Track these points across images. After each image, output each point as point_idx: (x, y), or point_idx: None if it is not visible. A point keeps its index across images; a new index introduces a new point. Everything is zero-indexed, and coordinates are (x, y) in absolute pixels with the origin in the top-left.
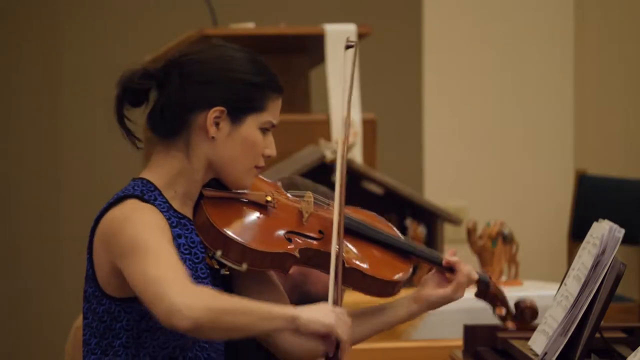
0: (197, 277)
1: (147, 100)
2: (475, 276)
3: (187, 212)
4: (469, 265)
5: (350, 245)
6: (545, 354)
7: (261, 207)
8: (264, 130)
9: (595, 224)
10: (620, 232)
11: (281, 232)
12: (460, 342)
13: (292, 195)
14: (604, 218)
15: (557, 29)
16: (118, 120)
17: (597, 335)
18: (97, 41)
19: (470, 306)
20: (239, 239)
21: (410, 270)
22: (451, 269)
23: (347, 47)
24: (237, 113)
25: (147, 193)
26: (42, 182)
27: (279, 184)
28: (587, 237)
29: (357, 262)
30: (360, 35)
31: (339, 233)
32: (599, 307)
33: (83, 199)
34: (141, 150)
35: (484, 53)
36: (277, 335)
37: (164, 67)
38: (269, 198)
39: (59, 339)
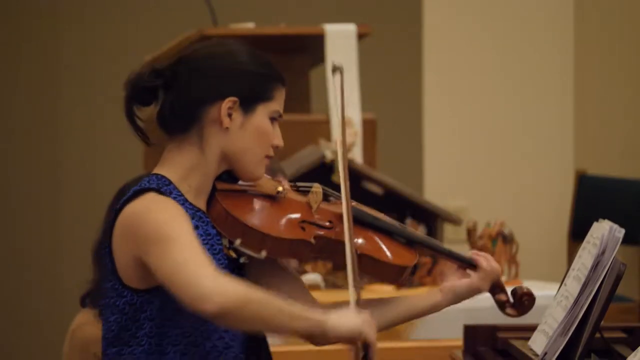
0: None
1: (155, 98)
2: (499, 270)
3: (201, 205)
4: (492, 261)
5: (358, 234)
6: (545, 354)
7: (272, 198)
8: (272, 120)
9: (595, 224)
10: (620, 232)
11: (295, 221)
12: (460, 342)
13: (299, 187)
14: (604, 218)
15: (557, 29)
16: (128, 119)
17: (597, 335)
18: (97, 41)
19: (470, 306)
20: (257, 225)
21: (417, 257)
22: (472, 264)
23: (333, 70)
24: (248, 103)
25: (163, 187)
26: (42, 182)
27: (282, 178)
28: (587, 237)
29: (367, 249)
30: (360, 35)
31: (349, 231)
32: (599, 307)
33: (83, 199)
34: (141, 151)
35: (484, 53)
36: None
37: (171, 65)
38: (280, 189)
39: (59, 339)
